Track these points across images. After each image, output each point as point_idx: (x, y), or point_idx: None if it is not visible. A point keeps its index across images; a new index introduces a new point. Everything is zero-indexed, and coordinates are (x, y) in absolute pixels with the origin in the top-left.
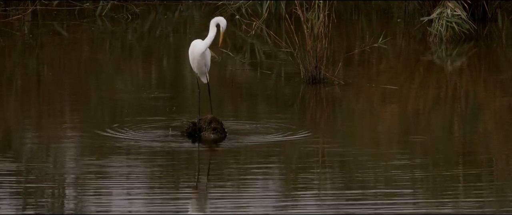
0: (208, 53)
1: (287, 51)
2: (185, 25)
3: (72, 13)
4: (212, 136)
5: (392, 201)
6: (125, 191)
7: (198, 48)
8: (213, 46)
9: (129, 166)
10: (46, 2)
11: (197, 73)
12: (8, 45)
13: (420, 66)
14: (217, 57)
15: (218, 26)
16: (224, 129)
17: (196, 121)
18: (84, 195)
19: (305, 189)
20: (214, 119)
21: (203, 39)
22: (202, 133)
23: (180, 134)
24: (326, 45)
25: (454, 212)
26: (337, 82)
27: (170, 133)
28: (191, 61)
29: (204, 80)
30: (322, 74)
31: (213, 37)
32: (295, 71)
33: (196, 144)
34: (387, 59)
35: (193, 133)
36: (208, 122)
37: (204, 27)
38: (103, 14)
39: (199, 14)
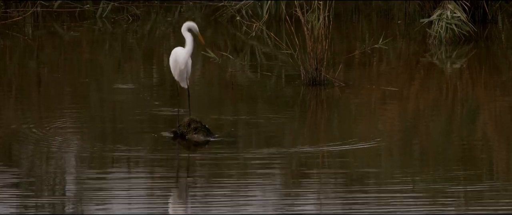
0: (190, 61)
1: (287, 52)
2: None
3: (72, 14)
4: (196, 136)
5: (393, 202)
6: (122, 199)
7: (181, 58)
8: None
9: (127, 175)
10: (46, 4)
11: (177, 79)
12: (9, 47)
13: (420, 68)
14: (217, 58)
15: (190, 30)
16: (205, 126)
17: (175, 129)
18: (80, 202)
19: (305, 190)
20: (192, 120)
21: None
22: (186, 137)
23: (168, 140)
24: (326, 46)
25: (455, 213)
26: (337, 84)
27: (156, 135)
28: (172, 70)
29: (185, 85)
30: (322, 76)
31: (192, 43)
32: (296, 73)
33: (186, 149)
34: (388, 60)
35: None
36: (187, 125)
37: (204, 28)
38: (103, 15)
39: (199, 16)
